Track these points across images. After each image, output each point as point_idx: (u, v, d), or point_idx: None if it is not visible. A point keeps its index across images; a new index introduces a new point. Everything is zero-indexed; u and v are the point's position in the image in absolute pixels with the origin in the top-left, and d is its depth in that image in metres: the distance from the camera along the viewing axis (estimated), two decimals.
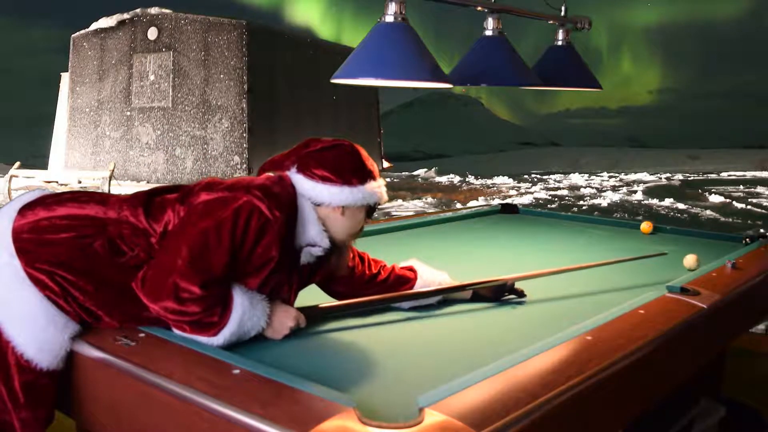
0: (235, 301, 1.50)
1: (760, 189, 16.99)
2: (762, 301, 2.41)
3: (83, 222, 1.56)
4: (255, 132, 10.45)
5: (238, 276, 1.53)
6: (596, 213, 10.84)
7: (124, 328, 1.54)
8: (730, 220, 11.40)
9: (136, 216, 1.56)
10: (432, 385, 1.27)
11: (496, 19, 2.62)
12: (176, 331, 1.50)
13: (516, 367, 1.39)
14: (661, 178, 20.50)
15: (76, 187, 9.22)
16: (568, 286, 2.13)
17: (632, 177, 21.31)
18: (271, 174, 1.62)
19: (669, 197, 14.06)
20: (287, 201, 1.55)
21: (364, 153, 1.66)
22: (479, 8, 2.60)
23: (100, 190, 8.80)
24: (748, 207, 13.00)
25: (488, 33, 2.63)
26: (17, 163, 9.49)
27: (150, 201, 1.59)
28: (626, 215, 11.22)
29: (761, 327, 3.92)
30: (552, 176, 22.07)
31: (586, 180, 20.26)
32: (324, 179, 1.58)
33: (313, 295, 1.78)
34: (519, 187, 17.08)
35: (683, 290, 1.98)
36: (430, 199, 13.33)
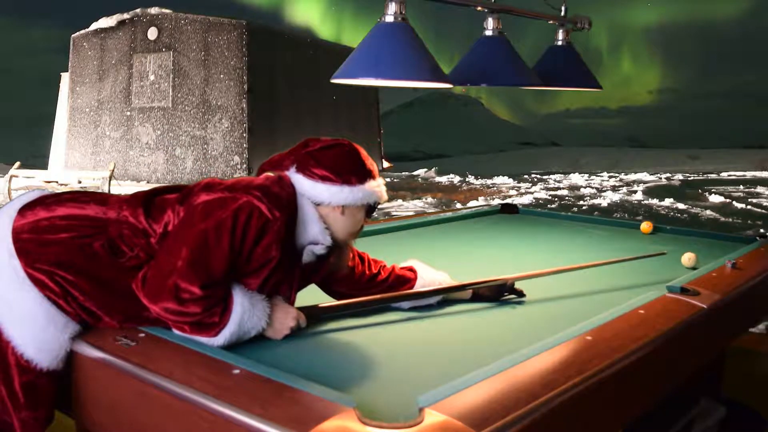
0: (236, 302, 1.50)
1: (760, 189, 16.99)
2: (762, 301, 2.41)
3: (83, 222, 1.56)
4: (255, 132, 10.45)
5: (238, 276, 1.53)
6: (596, 213, 10.84)
7: (124, 328, 1.54)
8: (730, 220, 11.40)
9: (135, 216, 1.56)
10: (432, 385, 1.27)
11: (496, 19, 2.62)
12: (176, 332, 1.50)
13: (516, 367, 1.39)
14: (661, 178, 20.50)
15: (76, 187, 9.22)
16: (568, 286, 2.13)
17: (632, 177, 21.31)
18: (270, 174, 1.62)
19: (669, 197, 14.06)
20: (287, 201, 1.55)
21: (363, 152, 1.66)
22: (479, 8, 2.60)
23: (100, 190, 8.80)
24: (748, 207, 12.99)
25: (488, 33, 2.63)
26: (17, 163, 9.49)
27: (150, 201, 1.59)
28: (626, 215, 11.22)
29: (761, 327, 3.92)
30: (552, 176, 22.06)
31: (586, 180, 20.25)
32: (323, 179, 1.58)
33: (313, 295, 1.78)
34: (519, 187, 17.08)
35: (683, 290, 1.98)
36: (430, 199, 13.33)
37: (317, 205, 1.60)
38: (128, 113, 11.25)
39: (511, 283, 2.01)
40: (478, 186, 17.83)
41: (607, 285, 2.18)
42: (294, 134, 10.01)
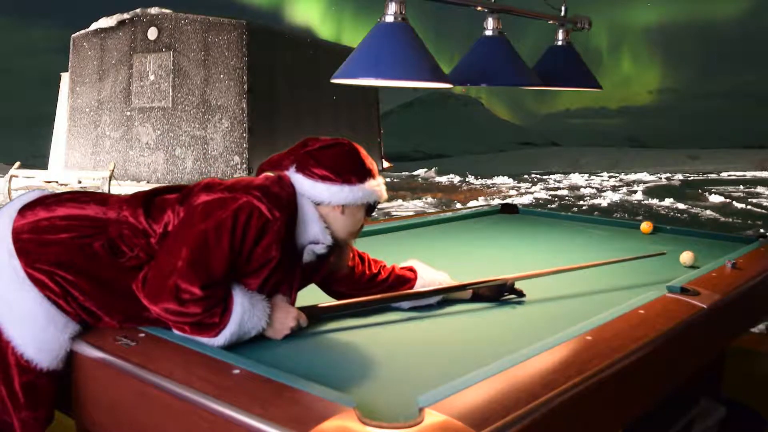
0: (236, 302, 1.50)
1: (760, 189, 16.99)
2: (762, 301, 2.41)
3: (83, 222, 1.56)
4: (255, 132, 10.44)
5: (238, 276, 1.53)
6: (596, 213, 10.84)
7: (124, 328, 1.54)
8: (730, 220, 11.40)
9: (135, 216, 1.56)
10: (432, 385, 1.27)
11: (496, 19, 2.62)
12: (176, 332, 1.50)
13: (516, 367, 1.39)
14: (661, 178, 20.50)
15: (76, 187, 9.22)
16: (568, 286, 2.13)
17: (632, 177, 21.31)
18: (270, 174, 1.62)
19: (669, 197, 14.06)
20: (287, 201, 1.55)
21: (362, 151, 1.66)
22: (479, 8, 2.60)
23: (100, 190, 8.80)
24: (748, 207, 12.99)
25: (488, 33, 2.63)
26: (17, 163, 9.49)
27: (150, 201, 1.59)
28: (626, 215, 11.22)
29: (761, 327, 3.92)
30: (552, 176, 22.06)
31: (586, 180, 20.26)
32: (323, 178, 1.58)
33: (313, 295, 1.78)
34: (519, 187, 17.08)
35: (683, 290, 1.98)
36: (430, 199, 13.33)
37: (317, 204, 1.60)
38: (128, 113, 11.25)
39: (511, 283, 2.01)
40: (478, 186, 17.83)
41: (607, 285, 2.18)
42: (294, 134, 9.99)
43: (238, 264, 1.51)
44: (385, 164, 14.57)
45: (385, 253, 2.04)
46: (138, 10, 11.16)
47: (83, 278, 1.51)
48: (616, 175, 22.72)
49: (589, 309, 1.84)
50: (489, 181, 19.17)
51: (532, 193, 15.45)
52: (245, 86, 10.36)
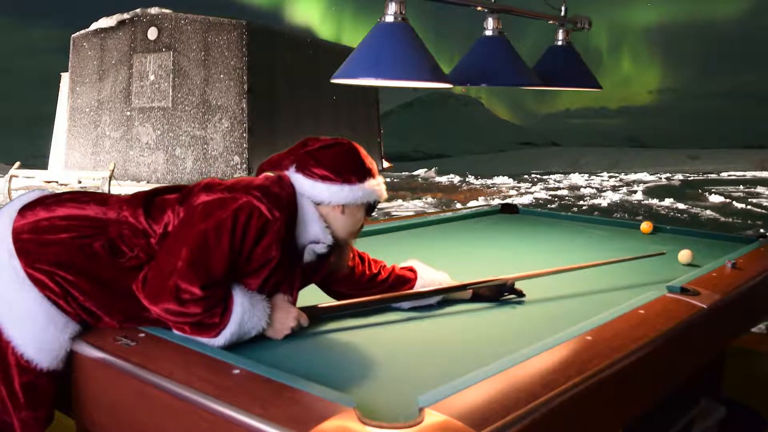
0: (236, 302, 1.50)
1: (760, 189, 16.99)
2: (762, 301, 2.41)
3: (83, 222, 1.56)
4: (255, 132, 10.44)
5: (238, 276, 1.53)
6: (596, 213, 10.84)
7: (124, 328, 1.54)
8: (730, 220, 11.40)
9: (135, 216, 1.56)
10: (432, 385, 1.27)
11: (496, 19, 2.62)
12: (176, 332, 1.50)
13: (516, 367, 1.39)
14: (661, 178, 20.50)
15: (76, 187, 9.22)
16: (568, 286, 2.13)
17: (632, 177, 21.31)
18: (270, 174, 1.62)
19: (669, 197, 14.06)
20: (287, 201, 1.55)
21: (362, 151, 1.66)
22: (479, 8, 2.60)
23: (100, 190, 8.80)
24: (748, 207, 12.99)
25: (488, 33, 2.63)
26: (17, 163, 9.49)
27: (150, 202, 1.59)
28: (626, 215, 11.22)
29: (761, 327, 3.92)
30: (552, 176, 22.07)
31: (586, 180, 20.26)
32: (323, 178, 1.58)
33: (313, 295, 1.78)
34: (519, 187, 17.08)
35: (683, 290, 1.98)
36: (430, 199, 13.33)
37: (317, 204, 1.60)
38: (128, 113, 11.25)
39: (511, 283, 2.01)
40: (478, 186, 17.83)
41: (607, 285, 2.18)
42: (294, 134, 9.97)
43: (238, 264, 1.51)
44: (385, 164, 14.57)
45: (385, 253, 2.04)
46: (138, 10, 11.16)
47: (83, 278, 1.51)
48: (616, 175, 22.72)
49: (589, 309, 1.84)
50: (489, 181, 19.17)
51: (532, 193, 15.45)
52: (245, 86, 10.36)
